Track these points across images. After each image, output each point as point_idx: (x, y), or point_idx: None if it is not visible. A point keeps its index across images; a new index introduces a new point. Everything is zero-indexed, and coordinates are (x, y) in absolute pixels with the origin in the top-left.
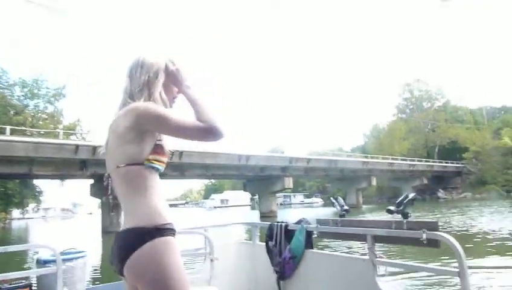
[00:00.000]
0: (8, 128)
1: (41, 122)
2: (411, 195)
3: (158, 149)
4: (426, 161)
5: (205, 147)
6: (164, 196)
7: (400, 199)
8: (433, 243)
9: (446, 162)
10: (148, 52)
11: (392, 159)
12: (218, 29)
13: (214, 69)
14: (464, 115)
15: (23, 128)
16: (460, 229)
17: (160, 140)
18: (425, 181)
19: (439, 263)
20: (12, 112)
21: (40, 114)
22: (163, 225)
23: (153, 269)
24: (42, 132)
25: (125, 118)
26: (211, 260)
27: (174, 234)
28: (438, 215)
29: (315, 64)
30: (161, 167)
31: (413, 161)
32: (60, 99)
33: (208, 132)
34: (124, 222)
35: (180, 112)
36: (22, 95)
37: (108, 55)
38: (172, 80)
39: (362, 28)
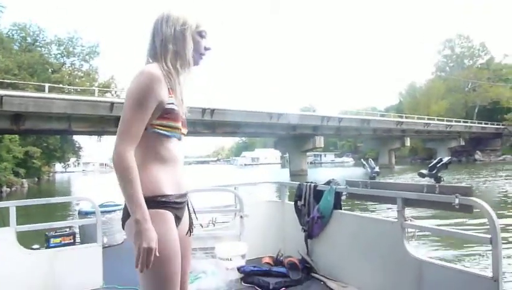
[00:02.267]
0: (46, 85)
1: (77, 80)
2: (445, 159)
3: (167, 114)
4: (464, 122)
5: (237, 105)
6: (175, 165)
7: (433, 162)
8: (466, 208)
9: (485, 123)
10: (175, 6)
11: (428, 119)
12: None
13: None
14: (508, 73)
15: (61, 86)
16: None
17: (171, 103)
18: (462, 142)
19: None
20: (50, 70)
21: (76, 72)
22: (155, 197)
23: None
24: (79, 90)
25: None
26: (241, 217)
27: (169, 207)
28: (482, 179)
29: (351, 21)
30: (170, 133)
31: (450, 121)
32: (94, 57)
33: (114, 155)
34: None
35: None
36: (59, 53)
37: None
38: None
39: None
